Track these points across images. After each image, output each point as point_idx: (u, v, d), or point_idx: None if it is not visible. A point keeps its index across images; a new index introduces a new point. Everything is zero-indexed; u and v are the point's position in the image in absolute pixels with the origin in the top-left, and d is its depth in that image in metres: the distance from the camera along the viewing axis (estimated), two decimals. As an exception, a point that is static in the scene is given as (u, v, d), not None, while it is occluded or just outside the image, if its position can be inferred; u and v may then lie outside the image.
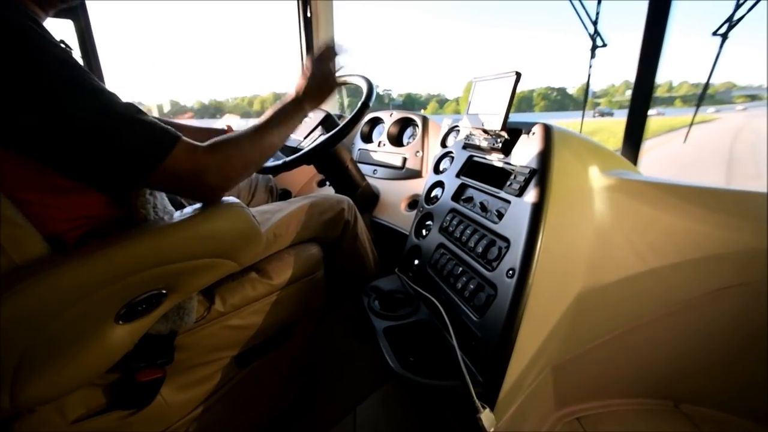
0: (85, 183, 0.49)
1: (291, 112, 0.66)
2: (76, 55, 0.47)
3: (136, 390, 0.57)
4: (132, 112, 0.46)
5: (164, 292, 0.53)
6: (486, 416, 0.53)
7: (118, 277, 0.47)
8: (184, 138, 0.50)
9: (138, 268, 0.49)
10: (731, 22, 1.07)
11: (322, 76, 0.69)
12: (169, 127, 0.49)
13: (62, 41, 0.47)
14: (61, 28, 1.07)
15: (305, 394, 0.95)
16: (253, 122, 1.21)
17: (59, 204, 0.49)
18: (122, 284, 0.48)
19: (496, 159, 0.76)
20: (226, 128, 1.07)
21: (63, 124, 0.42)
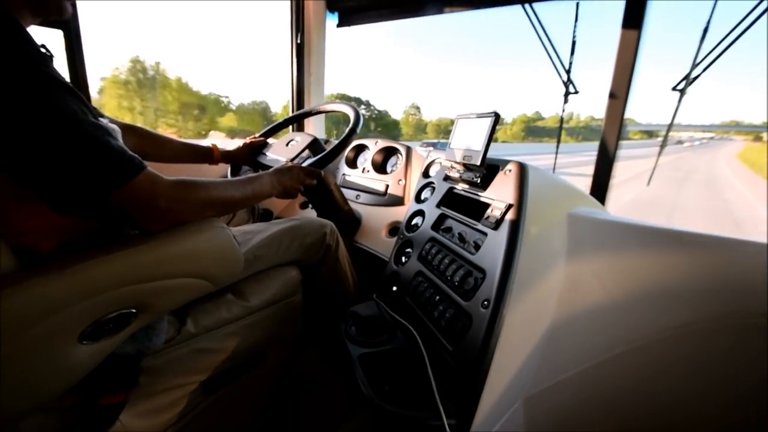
0: (36, 195, 0.46)
1: (264, 182, 0.73)
2: (61, 63, 0.47)
3: (95, 415, 0.54)
4: (101, 133, 0.46)
5: (134, 311, 0.51)
6: (458, 449, 0.53)
7: (87, 296, 0.45)
8: (150, 169, 0.51)
9: (109, 286, 0.47)
10: (688, 80, 1.19)
11: (294, 183, 0.81)
12: (136, 156, 0.50)
13: (43, 45, 0.47)
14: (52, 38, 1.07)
15: (275, 423, 0.91)
16: (238, 141, 1.22)
17: (28, 213, 0.47)
18: (90, 302, 0.46)
19: (474, 192, 0.80)
20: (211, 146, 1.08)
21: (25, 132, 0.41)
